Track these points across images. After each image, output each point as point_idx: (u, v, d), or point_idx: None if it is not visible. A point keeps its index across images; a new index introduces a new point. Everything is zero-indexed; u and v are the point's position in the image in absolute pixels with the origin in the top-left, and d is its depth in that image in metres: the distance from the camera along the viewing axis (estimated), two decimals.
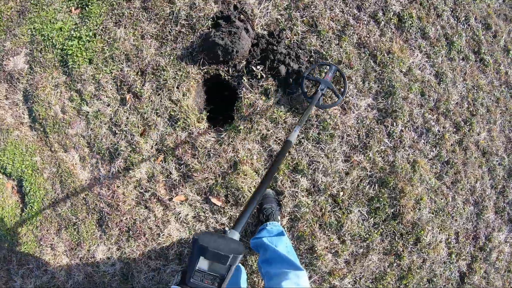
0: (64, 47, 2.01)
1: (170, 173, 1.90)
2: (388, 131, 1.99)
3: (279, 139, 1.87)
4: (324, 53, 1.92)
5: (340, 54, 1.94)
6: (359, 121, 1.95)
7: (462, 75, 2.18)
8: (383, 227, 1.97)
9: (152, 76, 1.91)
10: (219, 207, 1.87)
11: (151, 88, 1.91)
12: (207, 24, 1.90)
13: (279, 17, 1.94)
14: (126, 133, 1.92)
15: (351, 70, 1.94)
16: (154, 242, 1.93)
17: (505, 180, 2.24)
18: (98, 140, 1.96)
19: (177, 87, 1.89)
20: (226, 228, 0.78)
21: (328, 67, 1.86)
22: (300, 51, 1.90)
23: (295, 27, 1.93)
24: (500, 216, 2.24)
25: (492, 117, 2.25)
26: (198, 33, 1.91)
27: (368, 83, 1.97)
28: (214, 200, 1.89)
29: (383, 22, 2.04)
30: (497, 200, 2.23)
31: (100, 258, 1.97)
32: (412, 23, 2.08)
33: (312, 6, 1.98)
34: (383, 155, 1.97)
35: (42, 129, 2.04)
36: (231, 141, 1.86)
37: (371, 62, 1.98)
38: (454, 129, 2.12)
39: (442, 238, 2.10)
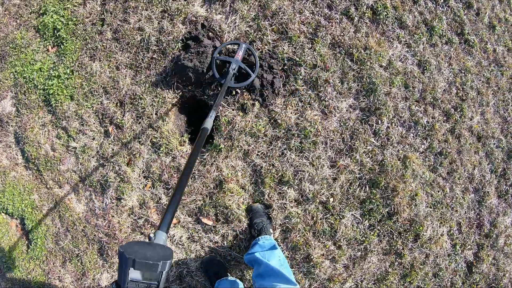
0: (45, 87, 2.10)
1: (160, 198, 1.96)
2: (373, 130, 1.97)
3: (262, 153, 1.89)
4: (298, 59, 1.92)
5: (314, 57, 1.93)
6: (341, 124, 1.94)
7: (447, 60, 2.12)
8: (379, 227, 1.97)
9: (131, 105, 1.97)
10: (210, 226, 1.92)
11: (132, 118, 1.97)
12: (177, 47, 1.93)
13: (247, 29, 1.95)
14: (113, 164, 1.99)
15: (327, 73, 1.93)
16: None
17: (504, 162, 2.18)
18: (89, 173, 2.04)
19: (156, 114, 1.94)
20: (151, 234, 0.79)
21: (237, 46, 1.84)
22: (273, 60, 1.90)
23: (265, 37, 1.93)
24: (503, 199, 2.19)
25: (484, 99, 2.18)
26: (170, 57, 1.94)
27: (347, 83, 1.95)
28: (205, 220, 1.94)
29: (356, 18, 2.01)
30: (498, 184, 2.18)
31: (105, 285, 2.07)
32: (388, 13, 2.04)
33: (280, 13, 1.97)
34: (370, 155, 1.95)
35: (36, 168, 2.14)
36: (214, 161, 1.90)
37: (348, 61, 1.96)
38: (445, 118, 2.07)
39: (443, 231, 2.07)
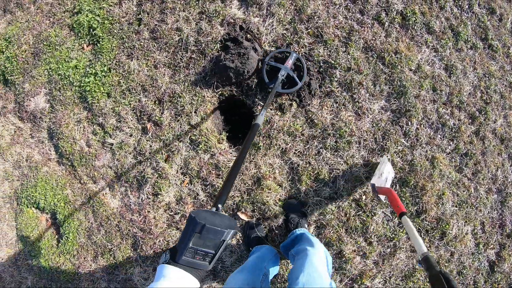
0: (82, 84, 2.20)
1: (197, 194, 2.07)
2: (404, 131, 2.11)
3: (299, 151, 2.02)
4: (333, 62, 2.06)
5: (348, 61, 2.07)
6: (374, 125, 2.08)
7: (472, 64, 2.29)
8: None
9: (170, 103, 2.08)
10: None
11: (170, 116, 2.08)
12: (216, 47, 2.06)
13: (284, 32, 2.08)
14: (151, 160, 2.10)
15: (361, 76, 2.07)
16: None
17: None
18: (125, 169, 2.14)
19: (195, 112, 2.06)
20: (219, 205, 0.85)
21: (288, 54, 1.98)
22: (309, 63, 2.03)
23: (301, 40, 2.07)
24: None
25: (507, 102, 2.35)
26: (209, 57, 2.06)
27: (379, 86, 2.09)
28: (242, 215, 2.05)
29: (387, 23, 2.16)
30: None
31: (138, 280, 2.16)
32: (416, 19, 2.19)
33: (315, 17, 2.11)
34: (401, 155, 2.09)
35: (69, 164, 2.24)
36: (253, 158, 2.02)
37: (380, 64, 2.11)
38: (470, 120, 2.23)
39: (468, 230, 2.22)
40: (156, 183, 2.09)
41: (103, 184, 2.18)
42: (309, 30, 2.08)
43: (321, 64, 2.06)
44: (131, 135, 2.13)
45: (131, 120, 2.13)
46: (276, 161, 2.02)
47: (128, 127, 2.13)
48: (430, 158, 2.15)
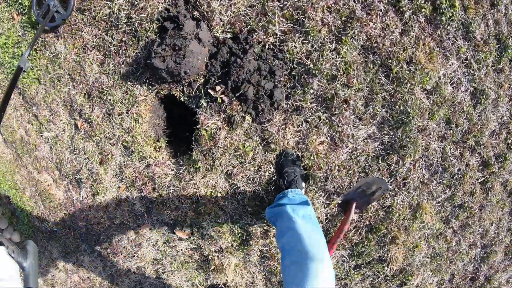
0: (12, 66, 1.21)
1: (134, 203, 1.18)
2: (390, 170, 1.04)
3: (248, 177, 1.02)
4: (312, 65, 0.93)
5: (335, 65, 0.93)
6: (352, 157, 1.01)
7: (509, 94, 1.07)
8: (365, 269, 1.16)
9: (99, 100, 1.09)
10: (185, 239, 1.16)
11: (101, 114, 1.10)
12: (151, 28, 0.96)
13: (248, 11, 0.92)
14: (86, 160, 1.19)
15: (349, 90, 0.94)
16: (131, 260, 1.32)
17: None
18: (64, 165, 1.26)
19: (127, 113, 1.05)
20: None
21: None
22: (277, 62, 0.92)
23: (270, 25, 0.91)
24: (509, 257, 1.30)
25: None
26: (143, 41, 0.98)
27: (372, 107, 0.97)
28: (179, 233, 1.18)
29: (408, 13, 0.93)
30: (510, 243, 1.27)
31: (88, 267, 1.43)
32: (453, 15, 0.95)
33: None
34: (378, 199, 1.05)
35: (14, 150, 1.37)
36: (191, 178, 1.05)
37: (382, 76, 0.96)
38: (480, 167, 1.10)
39: (433, 281, 1.25)
40: (92, 186, 1.21)
41: (47, 176, 1.33)
42: (285, 11, 0.91)
43: (294, 66, 0.94)
44: (64, 130, 1.20)
45: (63, 114, 1.17)
46: (220, 183, 1.05)
47: (60, 121, 1.19)
48: (414, 206, 1.10)
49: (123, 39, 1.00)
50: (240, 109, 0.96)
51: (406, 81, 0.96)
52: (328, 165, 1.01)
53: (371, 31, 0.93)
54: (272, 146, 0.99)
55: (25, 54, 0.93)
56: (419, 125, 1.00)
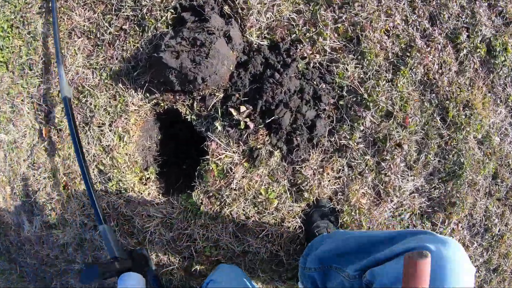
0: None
1: (102, 248, 0.62)
2: (435, 231, 0.61)
3: (266, 233, 0.54)
4: (366, 95, 0.53)
5: (391, 100, 0.54)
6: (395, 215, 0.58)
7: None
8: None
9: (77, 102, 0.59)
10: None
11: (76, 121, 0.59)
12: (164, 18, 0.53)
13: (294, 16, 0.53)
14: (46, 181, 0.64)
15: (403, 132, 0.54)
16: None
17: None
18: (18, 181, 0.69)
19: (110, 125, 0.56)
20: None
21: None
22: (324, 86, 0.51)
23: (320, 38, 0.52)
24: None
25: None
26: (149, 34, 0.54)
27: (425, 155, 0.57)
28: None
29: (465, 51, 0.59)
30: None
31: None
32: (506, 59, 0.62)
33: (357, 4, 0.55)
34: None
35: None
36: (187, 227, 0.55)
37: (438, 120, 0.58)
38: None
39: None
40: (50, 216, 0.65)
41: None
42: (338, 25, 0.53)
43: (344, 94, 0.53)
44: (24, 136, 0.66)
45: (27, 114, 0.65)
46: (225, 238, 0.55)
47: (22, 123, 0.66)
48: None
49: (124, 27, 0.56)
50: (268, 141, 0.52)
51: (462, 127, 0.60)
52: (370, 223, 0.57)
53: (430, 64, 0.58)
54: (305, 194, 0.54)
55: (62, 78, 0.51)
56: (470, 179, 0.63)
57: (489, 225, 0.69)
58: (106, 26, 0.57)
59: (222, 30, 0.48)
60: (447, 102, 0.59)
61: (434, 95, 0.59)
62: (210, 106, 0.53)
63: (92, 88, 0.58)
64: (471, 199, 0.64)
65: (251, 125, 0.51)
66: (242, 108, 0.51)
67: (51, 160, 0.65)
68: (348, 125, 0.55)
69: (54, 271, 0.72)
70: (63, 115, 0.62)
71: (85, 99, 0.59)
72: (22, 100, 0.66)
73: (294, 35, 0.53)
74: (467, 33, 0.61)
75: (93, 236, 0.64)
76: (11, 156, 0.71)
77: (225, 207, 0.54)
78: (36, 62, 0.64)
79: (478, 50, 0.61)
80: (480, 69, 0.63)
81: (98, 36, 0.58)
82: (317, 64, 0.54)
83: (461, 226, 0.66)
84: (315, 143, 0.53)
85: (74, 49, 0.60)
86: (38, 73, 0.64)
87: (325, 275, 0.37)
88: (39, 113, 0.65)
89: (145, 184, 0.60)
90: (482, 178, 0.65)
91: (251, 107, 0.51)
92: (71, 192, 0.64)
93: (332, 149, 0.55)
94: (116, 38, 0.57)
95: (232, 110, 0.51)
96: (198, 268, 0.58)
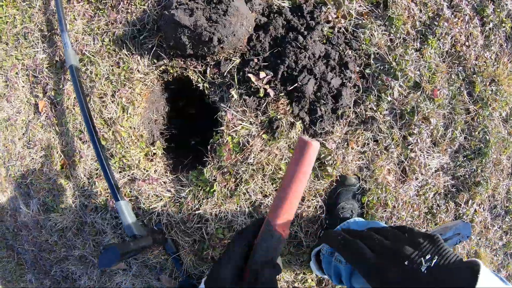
0: None
1: (104, 232, 0.54)
2: (458, 211, 0.55)
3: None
4: (394, 63, 0.46)
5: (419, 70, 0.47)
6: (420, 194, 0.52)
7: None
8: None
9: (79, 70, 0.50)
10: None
11: (75, 93, 0.51)
12: None
13: None
14: (43, 159, 0.56)
15: (432, 104, 0.48)
16: None
17: None
18: (13, 161, 0.60)
19: (112, 96, 0.48)
20: None
21: None
22: (350, 52, 0.44)
23: (346, 1, 0.45)
24: None
25: None
26: None
27: (452, 131, 0.51)
28: (167, 283, 0.54)
29: (491, 24, 0.53)
30: None
31: None
32: None
33: None
34: None
35: None
36: (198, 206, 0.47)
37: (465, 94, 0.51)
38: None
39: None
40: (46, 198, 0.56)
41: None
42: None
43: (371, 61, 0.46)
44: (18, 112, 0.57)
45: (22, 88, 0.56)
46: (241, 217, 0.48)
47: (17, 98, 0.57)
48: (472, 254, 0.60)
49: None
50: (289, 110, 0.45)
51: (488, 102, 0.54)
52: (396, 201, 0.51)
53: (457, 36, 0.51)
54: (329, 169, 0.47)
55: (67, 46, 0.42)
56: (494, 158, 0.57)
57: (510, 207, 0.64)
58: None
59: None
60: (474, 76, 0.53)
61: (461, 68, 0.53)
62: (226, 72, 0.46)
63: (92, 55, 0.50)
64: (494, 179, 0.59)
65: (271, 93, 0.44)
66: (262, 74, 0.43)
67: (47, 137, 0.56)
68: (375, 96, 0.48)
69: (53, 257, 0.64)
70: (61, 86, 0.54)
71: (85, 67, 0.51)
72: (16, 73, 0.58)
73: None
74: (493, 6, 0.56)
75: (94, 219, 0.56)
76: (5, 135, 0.62)
77: (241, 184, 0.47)
78: (31, 31, 0.55)
79: (503, 25, 0.55)
80: (505, 44, 0.57)
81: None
82: (343, 29, 0.47)
83: (483, 208, 0.61)
84: (339, 114, 0.46)
85: (73, 15, 0.52)
86: (34, 42, 0.55)
87: (352, 274, 0.31)
88: (35, 86, 0.56)
89: (151, 161, 0.52)
90: (505, 158, 0.59)
91: (271, 73, 0.44)
92: (70, 171, 0.56)
93: (357, 121, 0.48)
94: (120, 0, 0.49)
95: (251, 76, 0.43)
96: (210, 253, 0.51)
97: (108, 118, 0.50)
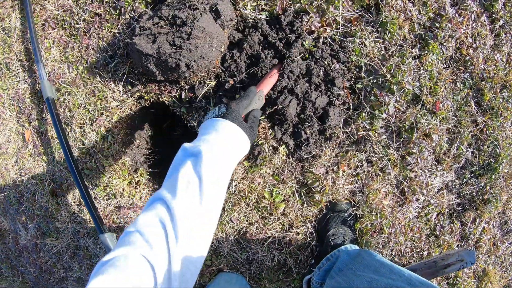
0: None
1: (97, 255, 0.52)
2: (463, 231, 0.48)
3: (273, 240, 0.42)
4: (388, 75, 0.38)
5: (419, 80, 0.39)
6: (421, 216, 0.45)
7: None
8: None
9: (56, 100, 0.47)
10: None
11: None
12: None
13: None
14: (35, 187, 0.54)
15: (433, 119, 0.40)
16: None
17: None
18: (9, 187, 0.59)
19: (91, 125, 0.45)
20: None
21: None
22: (337, 66, 0.37)
23: (331, 7, 0.38)
24: None
25: None
26: (127, 17, 0.41)
27: (457, 146, 0.43)
28: None
29: (501, 21, 0.44)
30: None
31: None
32: None
33: None
34: None
35: None
36: None
37: (472, 104, 0.43)
38: None
39: None
40: (41, 224, 0.55)
41: None
42: None
43: (362, 74, 0.39)
44: (8, 141, 0.55)
45: (10, 117, 0.54)
46: (227, 244, 0.43)
47: (6, 127, 0.55)
48: (480, 273, 0.53)
49: (98, 11, 0.43)
50: (271, 135, 0.39)
51: (498, 112, 0.45)
52: (393, 227, 0.45)
53: (463, 37, 0.43)
54: (317, 197, 0.42)
55: (43, 78, 0.40)
56: (505, 172, 0.48)
57: None
58: (80, 13, 0.45)
59: (208, 3, 0.35)
60: (483, 82, 0.44)
61: (468, 74, 0.44)
62: (200, 96, 0.41)
63: (68, 85, 0.47)
64: (505, 195, 0.50)
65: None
66: (238, 96, 0.38)
67: (36, 166, 0.54)
68: (367, 113, 0.41)
69: (54, 278, 0.63)
70: (44, 116, 0.51)
71: (63, 97, 0.48)
72: (2, 103, 0.56)
73: (298, 4, 0.39)
74: (503, 0, 0.46)
75: (87, 244, 0.54)
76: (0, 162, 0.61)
77: (224, 213, 0.43)
78: (11, 61, 0.53)
79: (510, 22, 0.46)
80: None
81: (73, 25, 0.46)
82: (328, 39, 0.40)
83: (493, 224, 0.53)
84: (328, 135, 0.40)
85: (49, 42, 0.48)
86: (15, 72, 0.53)
87: None
88: (20, 116, 0.54)
89: (136, 188, 0.49)
90: None
91: None
92: (60, 199, 0.54)
93: (348, 142, 0.42)
94: (90, 25, 0.45)
95: (226, 101, 0.38)
96: (198, 280, 0.47)
97: (89, 147, 0.46)
